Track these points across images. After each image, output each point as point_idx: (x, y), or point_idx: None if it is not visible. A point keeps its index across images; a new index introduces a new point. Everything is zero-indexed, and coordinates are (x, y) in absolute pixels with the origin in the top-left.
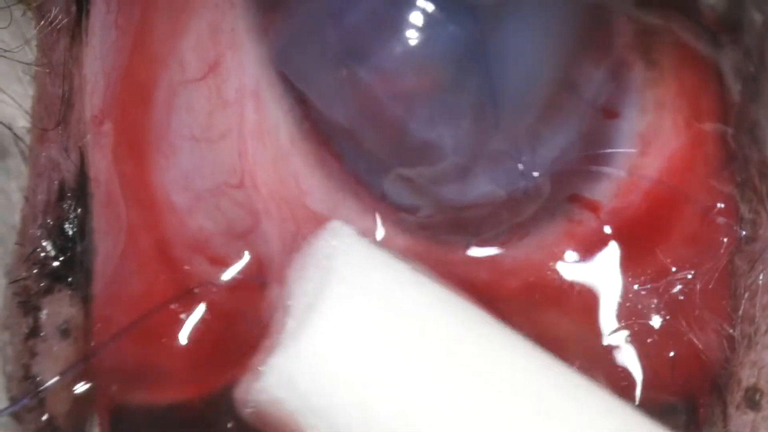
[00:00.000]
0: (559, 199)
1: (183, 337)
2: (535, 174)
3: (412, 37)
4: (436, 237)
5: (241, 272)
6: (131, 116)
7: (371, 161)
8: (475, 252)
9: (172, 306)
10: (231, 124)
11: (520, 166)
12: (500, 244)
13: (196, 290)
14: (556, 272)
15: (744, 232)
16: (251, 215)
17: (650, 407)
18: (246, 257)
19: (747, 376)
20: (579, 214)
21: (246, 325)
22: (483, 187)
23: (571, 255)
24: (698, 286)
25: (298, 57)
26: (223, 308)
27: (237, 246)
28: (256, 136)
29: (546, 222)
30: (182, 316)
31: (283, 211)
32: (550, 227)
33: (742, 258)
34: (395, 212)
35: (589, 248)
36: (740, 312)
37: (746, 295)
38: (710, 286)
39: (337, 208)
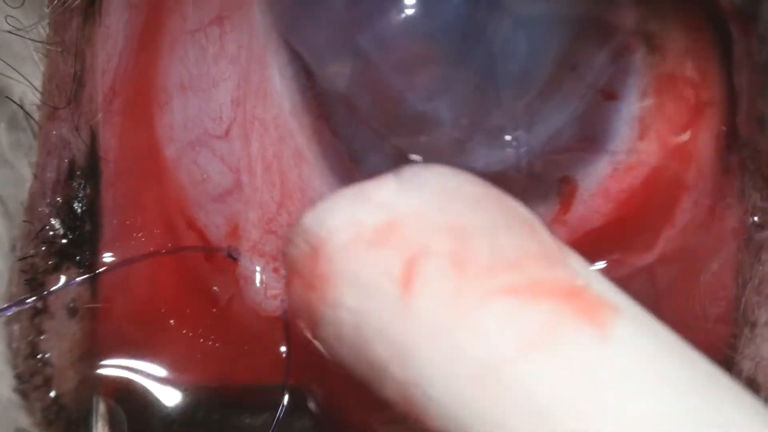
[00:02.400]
0: (551, 179)
1: (174, 318)
2: (530, 151)
3: (415, 8)
4: None
5: (215, 241)
6: (139, 85)
7: (367, 137)
8: None
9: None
10: (229, 74)
11: (515, 143)
12: None
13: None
14: None
15: (756, 218)
16: (232, 172)
17: None
18: (222, 223)
19: (747, 369)
20: (571, 196)
21: (222, 299)
22: (477, 162)
23: (563, 239)
24: (708, 274)
25: (303, 23)
26: (201, 282)
27: (215, 210)
28: (257, 95)
29: (537, 203)
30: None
31: (272, 174)
32: (542, 209)
33: (750, 246)
34: None
35: (583, 232)
36: (743, 302)
37: (749, 285)
38: (719, 274)
39: (327, 184)
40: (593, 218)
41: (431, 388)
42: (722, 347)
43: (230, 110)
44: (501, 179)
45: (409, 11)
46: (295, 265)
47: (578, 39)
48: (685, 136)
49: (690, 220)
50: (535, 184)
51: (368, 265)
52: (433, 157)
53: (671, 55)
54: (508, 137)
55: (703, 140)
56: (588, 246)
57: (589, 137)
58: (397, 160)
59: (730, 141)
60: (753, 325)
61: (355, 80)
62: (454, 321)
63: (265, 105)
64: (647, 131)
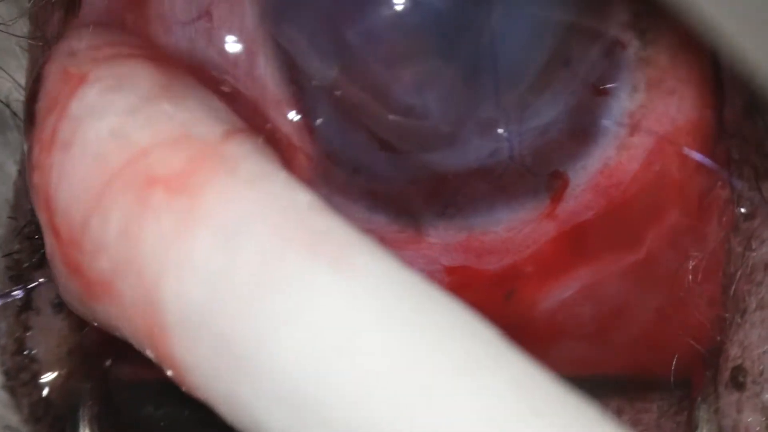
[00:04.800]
0: (542, 174)
1: None
2: (521, 145)
3: (402, 1)
4: (407, 212)
5: None
6: None
7: (349, 132)
8: (447, 230)
9: None
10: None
11: (506, 136)
12: (476, 222)
13: None
14: (538, 254)
15: (743, 210)
16: None
17: (644, 381)
18: None
19: (734, 356)
20: (562, 191)
21: None
22: (467, 155)
23: (553, 233)
24: (693, 265)
25: (289, 17)
26: None
27: None
28: (245, 89)
29: (528, 198)
30: None
31: None
32: (532, 203)
33: (738, 236)
34: (366, 185)
35: (571, 226)
36: (732, 290)
37: (739, 273)
38: (706, 265)
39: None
40: (583, 213)
41: None
42: (710, 334)
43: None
44: (491, 173)
45: (396, 5)
46: None
47: (572, 33)
48: (675, 133)
49: (678, 216)
50: (526, 178)
51: None
52: (422, 150)
53: (664, 50)
54: (499, 130)
55: (697, 135)
56: (576, 240)
57: (580, 132)
58: (375, 154)
59: (718, 132)
60: (743, 312)
61: (342, 74)
62: None
63: (254, 94)
64: (638, 127)
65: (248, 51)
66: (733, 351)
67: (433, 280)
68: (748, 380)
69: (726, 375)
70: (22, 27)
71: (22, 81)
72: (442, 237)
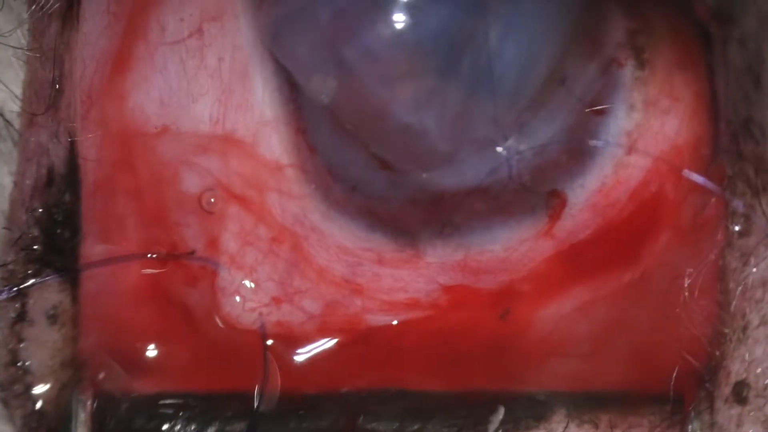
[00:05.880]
0: (540, 192)
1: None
2: (519, 164)
3: (401, 20)
4: (405, 231)
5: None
6: (116, 97)
7: (348, 150)
8: (445, 249)
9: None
10: (208, 88)
11: (505, 154)
12: (474, 241)
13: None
14: (535, 273)
15: (737, 227)
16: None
17: (637, 396)
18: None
19: (736, 371)
20: (560, 209)
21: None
22: (466, 174)
23: (550, 252)
24: (688, 282)
25: (288, 36)
26: (178, 295)
27: (194, 222)
28: (237, 109)
29: (526, 216)
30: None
31: (249, 191)
32: (530, 222)
33: (733, 253)
34: (365, 203)
35: (569, 245)
36: (732, 307)
37: (739, 290)
38: (701, 282)
39: (306, 200)
40: (580, 232)
41: None
42: (707, 350)
43: (209, 126)
44: (490, 191)
45: (395, 23)
46: None
47: (568, 52)
48: (671, 151)
49: (672, 234)
50: (524, 196)
51: None
52: (420, 168)
53: (660, 69)
54: (497, 149)
55: (692, 153)
56: (573, 259)
57: (578, 151)
58: (374, 172)
59: (713, 149)
60: (744, 328)
61: (340, 92)
62: None
63: (246, 118)
64: (634, 146)
65: (242, 71)
66: (735, 366)
67: (431, 299)
68: (752, 395)
69: (727, 390)
70: (20, 38)
71: (18, 92)
72: (440, 256)
